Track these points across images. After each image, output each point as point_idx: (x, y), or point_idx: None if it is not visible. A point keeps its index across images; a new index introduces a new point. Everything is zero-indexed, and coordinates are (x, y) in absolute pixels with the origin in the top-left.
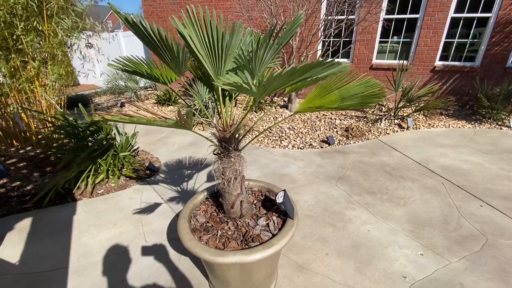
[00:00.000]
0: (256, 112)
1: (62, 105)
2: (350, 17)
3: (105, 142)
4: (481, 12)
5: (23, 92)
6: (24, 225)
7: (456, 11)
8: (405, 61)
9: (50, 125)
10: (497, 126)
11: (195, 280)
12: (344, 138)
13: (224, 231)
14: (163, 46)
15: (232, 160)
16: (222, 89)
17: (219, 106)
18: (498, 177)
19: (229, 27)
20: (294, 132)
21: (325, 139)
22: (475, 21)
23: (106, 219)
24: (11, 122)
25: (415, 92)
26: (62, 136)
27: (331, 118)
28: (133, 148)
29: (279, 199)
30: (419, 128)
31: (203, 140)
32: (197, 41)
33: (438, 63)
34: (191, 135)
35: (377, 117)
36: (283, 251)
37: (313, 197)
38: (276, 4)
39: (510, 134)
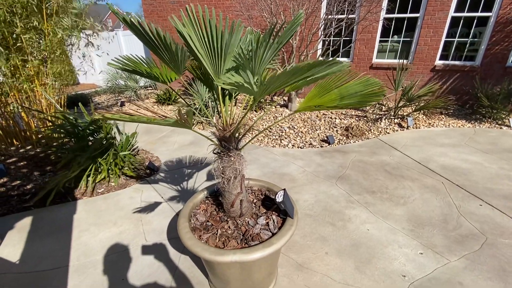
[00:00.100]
0: (256, 111)
1: (62, 104)
2: (350, 16)
3: (105, 142)
4: (481, 12)
5: (23, 91)
6: (24, 224)
7: (456, 10)
8: (405, 60)
9: (50, 124)
10: (497, 125)
11: (195, 279)
12: (344, 138)
13: (224, 230)
14: (162, 46)
15: (232, 159)
16: (222, 88)
17: (219, 106)
18: (498, 177)
19: (229, 26)
20: (294, 131)
21: (325, 138)
22: (475, 21)
23: (107, 218)
24: (11, 121)
25: (415, 92)
26: (62, 135)
27: (331, 118)
28: (133, 147)
29: (279, 198)
30: (419, 128)
31: (203, 139)
32: (197, 40)
33: (438, 62)
34: (191, 134)
35: (377, 116)
36: (283, 250)
37: (313, 196)
38: (276, 3)
39: (510, 133)
